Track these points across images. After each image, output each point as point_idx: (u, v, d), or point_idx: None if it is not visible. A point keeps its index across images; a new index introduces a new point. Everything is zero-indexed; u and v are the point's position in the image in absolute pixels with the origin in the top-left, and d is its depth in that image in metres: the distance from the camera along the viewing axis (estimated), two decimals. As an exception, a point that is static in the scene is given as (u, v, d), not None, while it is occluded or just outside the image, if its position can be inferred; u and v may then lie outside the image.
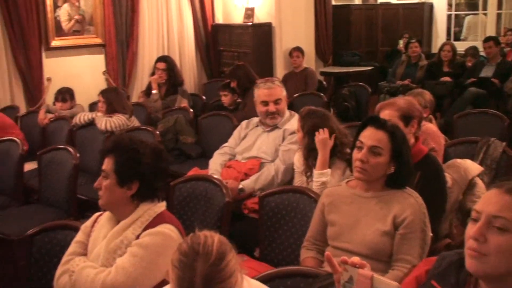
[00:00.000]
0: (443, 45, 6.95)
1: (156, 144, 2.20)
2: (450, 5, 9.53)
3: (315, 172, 2.87)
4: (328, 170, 2.86)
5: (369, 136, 2.17)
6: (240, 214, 3.16)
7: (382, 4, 9.69)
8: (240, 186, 3.23)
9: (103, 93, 4.65)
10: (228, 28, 7.47)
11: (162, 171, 2.08)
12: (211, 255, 1.39)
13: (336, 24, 8.32)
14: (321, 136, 2.89)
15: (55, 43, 6.25)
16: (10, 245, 3.31)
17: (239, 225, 3.03)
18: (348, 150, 2.85)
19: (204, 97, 6.11)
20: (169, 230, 1.97)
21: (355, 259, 1.39)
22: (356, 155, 2.20)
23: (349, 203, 2.26)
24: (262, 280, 1.80)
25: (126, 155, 2.00)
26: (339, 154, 2.94)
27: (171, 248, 1.74)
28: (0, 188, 3.98)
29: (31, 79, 6.00)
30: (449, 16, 9.51)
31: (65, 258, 2.05)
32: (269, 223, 2.73)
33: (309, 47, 7.28)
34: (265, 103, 3.49)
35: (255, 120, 3.64)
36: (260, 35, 7.04)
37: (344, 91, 6.40)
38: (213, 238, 1.44)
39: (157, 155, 2.06)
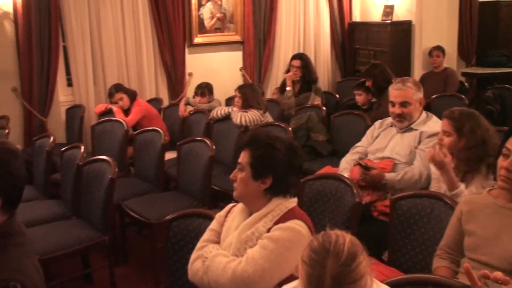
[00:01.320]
0: None
1: (292, 140, 2.22)
2: None
3: (448, 193, 2.69)
4: (461, 187, 2.67)
5: None
6: (369, 215, 3.09)
7: (537, -1, 8.91)
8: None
9: (239, 88, 4.81)
10: (366, 26, 7.33)
11: (296, 167, 2.10)
12: (342, 255, 1.37)
13: (482, 22, 7.80)
14: (438, 158, 2.68)
15: (197, 40, 6.57)
16: (150, 228, 3.55)
17: (367, 227, 2.96)
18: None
19: (337, 96, 6.08)
20: (299, 226, 1.98)
21: (498, 274, 1.29)
22: (502, 163, 2.04)
23: (490, 213, 2.11)
24: (392, 285, 1.74)
25: (262, 150, 2.04)
26: (477, 162, 2.73)
27: (300, 244, 1.75)
28: (144, 174, 4.29)
29: (175, 74, 6.37)
30: None
31: (199, 244, 2.15)
32: (400, 227, 2.64)
33: (451, 46, 6.92)
34: (392, 104, 3.38)
35: (389, 120, 3.53)
36: (399, 33, 6.81)
37: (488, 93, 5.99)
38: (345, 238, 1.42)
39: (292, 151, 2.08)
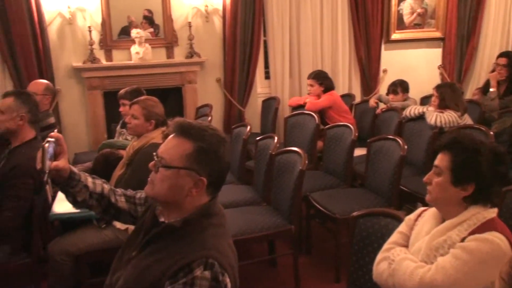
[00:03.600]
0: None
1: (497, 145, 2.02)
2: None
3: None
4: None
5: None
6: None
7: None
8: None
9: (438, 87, 4.58)
10: None
11: (501, 175, 1.92)
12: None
13: None
14: None
15: (394, 36, 6.43)
16: (335, 222, 3.58)
17: None
18: None
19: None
20: (498, 239, 1.82)
21: None
22: None
23: None
24: None
25: (465, 155, 1.91)
26: None
27: (498, 258, 1.63)
28: (331, 169, 4.34)
29: (369, 70, 6.31)
30: None
31: (386, 245, 2.10)
32: None
33: None
34: None
35: None
36: None
37: None
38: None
39: (498, 158, 1.91)
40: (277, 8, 5.95)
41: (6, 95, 3.19)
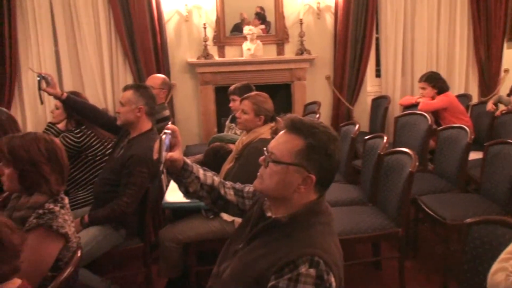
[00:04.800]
0: None
1: None
2: None
3: None
4: None
5: None
6: None
7: None
8: None
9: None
10: None
11: None
12: None
13: None
14: None
15: (519, 33, 6.03)
16: (445, 227, 3.42)
17: None
18: None
19: None
20: None
21: None
22: None
23: None
24: None
25: None
26: None
27: None
28: (443, 172, 4.16)
29: (488, 70, 5.97)
30: None
31: (504, 255, 1.96)
32: None
33: None
34: None
35: None
36: None
37: None
38: None
39: None
40: (391, 5, 5.80)
41: (126, 88, 3.38)
